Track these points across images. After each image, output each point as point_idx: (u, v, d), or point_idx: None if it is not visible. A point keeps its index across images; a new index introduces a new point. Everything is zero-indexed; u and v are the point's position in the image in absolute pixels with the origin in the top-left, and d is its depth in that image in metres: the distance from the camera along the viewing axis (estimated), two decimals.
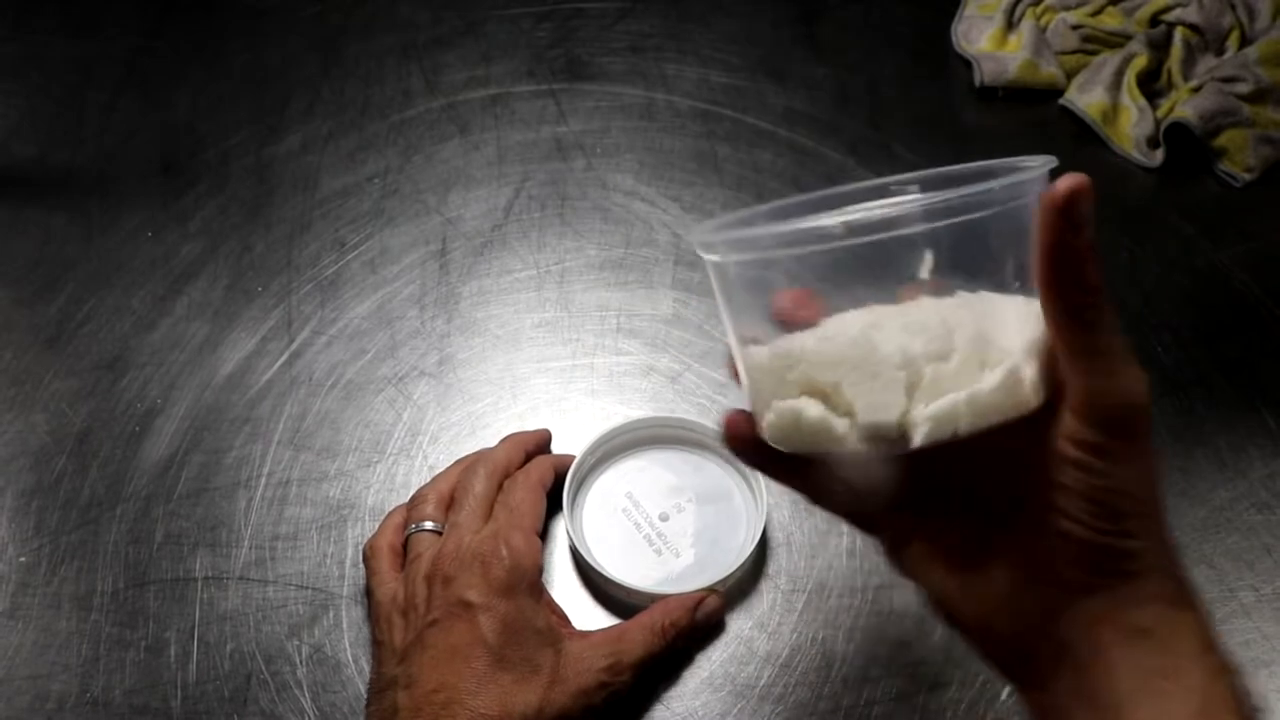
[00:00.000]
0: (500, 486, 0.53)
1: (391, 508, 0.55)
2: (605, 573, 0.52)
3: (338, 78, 0.77)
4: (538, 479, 0.54)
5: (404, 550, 0.52)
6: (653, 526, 0.55)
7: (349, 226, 0.69)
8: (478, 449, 0.57)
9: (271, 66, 0.78)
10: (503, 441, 0.56)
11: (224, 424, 0.60)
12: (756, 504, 0.55)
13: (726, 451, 0.55)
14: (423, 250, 0.68)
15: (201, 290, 0.66)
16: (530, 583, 0.49)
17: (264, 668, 0.52)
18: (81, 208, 0.70)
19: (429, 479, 0.56)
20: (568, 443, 0.58)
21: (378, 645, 0.50)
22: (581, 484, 0.56)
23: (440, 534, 0.52)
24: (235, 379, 0.62)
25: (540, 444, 0.57)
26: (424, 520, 0.52)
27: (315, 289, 0.66)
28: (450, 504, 0.53)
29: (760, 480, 0.55)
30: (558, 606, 0.52)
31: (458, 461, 0.56)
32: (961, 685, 0.51)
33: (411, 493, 0.56)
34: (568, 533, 0.54)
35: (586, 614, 0.54)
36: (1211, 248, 0.68)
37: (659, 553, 0.54)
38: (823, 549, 0.55)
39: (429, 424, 0.60)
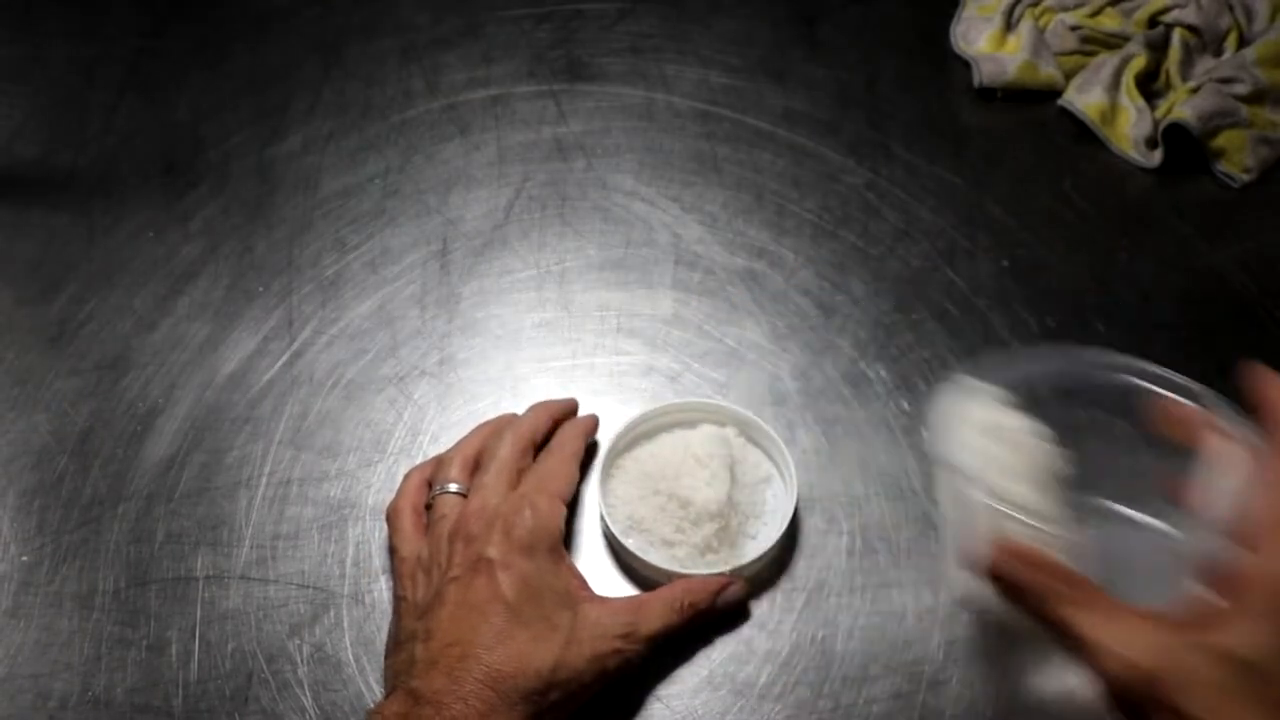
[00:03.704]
0: (525, 452, 0.54)
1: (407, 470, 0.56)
2: (632, 549, 0.53)
3: (339, 79, 0.77)
4: (572, 452, 0.55)
5: (426, 511, 0.53)
6: (684, 508, 0.54)
7: (350, 227, 0.69)
8: (498, 415, 0.58)
9: (273, 67, 0.78)
10: (530, 409, 0.57)
11: (225, 423, 0.60)
12: (788, 494, 0.55)
13: (765, 440, 0.57)
14: (424, 250, 0.68)
15: (203, 290, 0.66)
16: (551, 545, 0.50)
17: (265, 667, 0.52)
18: (84, 208, 0.70)
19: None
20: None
21: (399, 601, 0.51)
22: (617, 459, 0.57)
23: (464, 496, 0.52)
24: (236, 379, 0.62)
25: (567, 412, 0.58)
26: (449, 482, 0.53)
27: (316, 289, 0.66)
28: (475, 467, 0.54)
29: (792, 471, 0.55)
30: (578, 571, 0.52)
31: (480, 426, 0.57)
32: (961, 684, 0.51)
33: None
34: (599, 507, 0.55)
35: (613, 588, 0.54)
36: (1209, 248, 0.68)
37: (687, 534, 0.54)
38: (822, 549, 0.55)
39: (430, 423, 0.60)
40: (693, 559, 0.53)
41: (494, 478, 0.52)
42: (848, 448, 0.59)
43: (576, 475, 0.54)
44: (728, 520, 0.54)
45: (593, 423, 0.57)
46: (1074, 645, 0.38)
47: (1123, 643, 0.37)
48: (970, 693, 0.51)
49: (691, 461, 0.55)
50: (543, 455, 0.54)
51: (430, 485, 0.54)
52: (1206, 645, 0.37)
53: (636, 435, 0.58)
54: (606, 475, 0.56)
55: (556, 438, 0.56)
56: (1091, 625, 0.37)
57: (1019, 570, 0.39)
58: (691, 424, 0.58)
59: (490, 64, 0.78)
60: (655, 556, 0.53)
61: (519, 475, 0.53)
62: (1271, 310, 0.65)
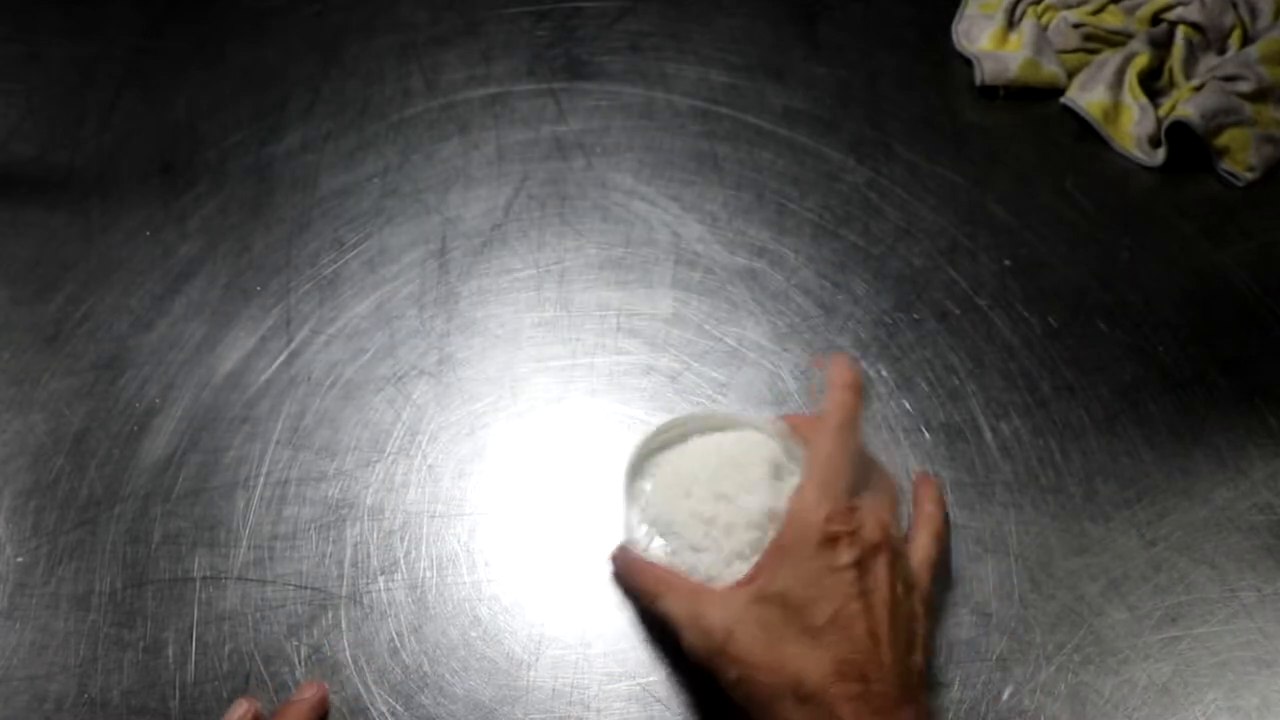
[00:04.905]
0: None
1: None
2: (657, 553, 0.51)
3: (337, 77, 0.77)
4: None
5: None
6: (718, 514, 0.51)
7: (348, 226, 0.69)
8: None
9: (271, 66, 0.78)
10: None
11: (222, 423, 0.60)
12: None
13: (793, 448, 0.54)
14: (422, 249, 0.67)
15: (200, 289, 0.66)
16: None
17: (262, 668, 0.52)
18: (81, 207, 0.70)
19: (426, 483, 0.57)
20: (583, 444, 0.58)
21: None
22: (649, 458, 0.55)
23: None
24: (234, 378, 0.62)
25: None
26: None
27: (314, 288, 0.66)
28: None
29: None
30: None
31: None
32: (963, 685, 0.51)
33: (410, 493, 0.57)
34: (623, 508, 0.53)
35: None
36: (1212, 247, 0.68)
37: (717, 541, 0.51)
38: None
39: (428, 423, 0.60)
40: (717, 568, 0.50)
41: None
42: None
43: None
44: (764, 533, 0.50)
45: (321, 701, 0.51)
46: (672, 626, 0.47)
47: (698, 615, 0.46)
48: (970, 693, 0.51)
49: (729, 467, 0.52)
50: None
51: None
52: (754, 593, 0.45)
53: (670, 437, 0.55)
54: (635, 475, 0.54)
55: None
56: (678, 606, 0.47)
57: (627, 574, 0.52)
58: (723, 429, 0.55)
59: (489, 62, 0.78)
60: (681, 565, 0.51)
61: None
62: (1274, 309, 0.65)
